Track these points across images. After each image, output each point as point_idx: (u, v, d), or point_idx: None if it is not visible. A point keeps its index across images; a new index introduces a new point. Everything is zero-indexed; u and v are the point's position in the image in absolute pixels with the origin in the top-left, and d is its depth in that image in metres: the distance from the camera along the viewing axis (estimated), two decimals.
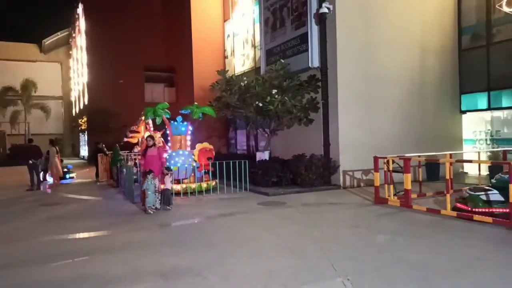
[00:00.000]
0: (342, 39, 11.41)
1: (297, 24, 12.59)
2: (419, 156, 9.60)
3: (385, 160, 8.70)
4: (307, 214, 7.83)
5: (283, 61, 12.38)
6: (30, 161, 13.11)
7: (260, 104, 11.63)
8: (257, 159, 12.06)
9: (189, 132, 11.74)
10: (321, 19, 11.60)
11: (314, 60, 11.87)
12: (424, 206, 7.79)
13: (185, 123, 11.69)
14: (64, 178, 15.57)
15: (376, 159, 8.83)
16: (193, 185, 10.70)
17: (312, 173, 10.74)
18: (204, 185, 10.86)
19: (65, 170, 16.11)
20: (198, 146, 11.58)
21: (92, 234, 6.75)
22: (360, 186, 11.40)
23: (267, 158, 12.03)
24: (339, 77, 11.36)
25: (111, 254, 5.45)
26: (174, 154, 11.10)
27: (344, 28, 11.45)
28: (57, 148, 14.86)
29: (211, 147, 11.80)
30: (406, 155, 8.85)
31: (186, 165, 10.83)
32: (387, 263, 4.77)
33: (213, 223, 7.47)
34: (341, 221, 7.20)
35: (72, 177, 16.36)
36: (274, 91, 11.55)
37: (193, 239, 6.19)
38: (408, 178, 8.03)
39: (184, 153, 11.16)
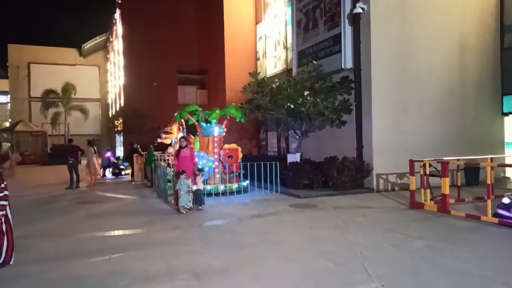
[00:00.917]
0: (377, 39, 11.18)
1: (330, 25, 12.45)
2: (457, 159, 9.24)
3: (422, 163, 8.43)
4: (339, 217, 7.71)
5: (315, 62, 12.28)
6: (70, 161, 13.68)
7: (292, 106, 11.59)
8: (288, 161, 12.01)
9: (217, 134, 11.80)
10: (355, 20, 11.42)
11: (347, 61, 11.69)
12: (463, 212, 7.48)
13: (212, 125, 11.75)
14: (120, 174, 16.64)
15: (412, 162, 8.58)
16: (223, 186, 10.79)
17: (344, 176, 10.57)
18: (234, 186, 10.93)
19: (122, 167, 17.20)
20: (225, 146, 11.68)
21: (127, 232, 6.95)
22: (394, 190, 11.11)
23: (298, 160, 11.96)
24: (373, 78, 11.13)
25: (146, 252, 5.59)
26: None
27: (379, 28, 11.22)
28: (95, 148, 15.44)
29: (236, 147, 11.78)
30: (444, 158, 8.53)
31: (206, 167, 10.84)
32: (424, 269, 4.61)
33: (245, 224, 7.51)
34: (375, 225, 7.04)
35: (128, 174, 17.13)
36: (306, 92, 11.48)
37: (225, 239, 6.25)
38: (446, 182, 7.74)
39: (204, 155, 11.23)
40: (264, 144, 18.81)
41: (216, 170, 11.17)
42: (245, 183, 11.31)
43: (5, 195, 5.04)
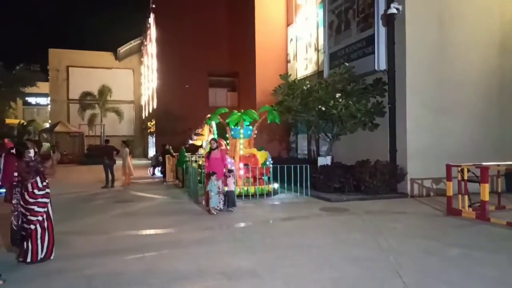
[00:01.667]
0: (412, 40, 10.88)
1: (363, 26, 12.25)
2: (498, 165, 8.83)
3: (459, 168, 8.12)
4: (371, 222, 7.55)
5: (347, 64, 12.11)
6: (106, 161, 14.15)
7: (323, 108, 11.48)
8: (319, 164, 11.90)
9: (242, 136, 11.79)
10: (389, 20, 11.18)
11: (381, 62, 11.45)
12: (504, 220, 7.14)
13: (237, 127, 11.79)
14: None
15: (449, 167, 8.28)
16: (253, 188, 10.80)
17: (377, 180, 10.35)
18: (264, 188, 10.93)
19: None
20: (242, 153, 11.56)
21: (160, 231, 7.10)
22: (429, 195, 10.75)
23: (329, 163, 11.82)
24: (407, 80, 10.84)
25: (178, 251, 5.69)
26: None
27: (414, 28, 10.92)
28: (129, 148, 15.89)
29: (254, 153, 11.62)
30: (484, 163, 8.17)
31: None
32: (461, 278, 4.44)
33: (275, 226, 7.49)
34: (409, 231, 6.84)
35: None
36: (337, 95, 11.34)
37: (255, 241, 6.26)
38: (485, 188, 7.41)
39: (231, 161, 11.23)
40: (294, 146, 18.72)
41: (239, 173, 11.10)
42: (275, 185, 11.28)
43: (47, 192, 5.29)
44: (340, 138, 12.54)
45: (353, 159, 11.63)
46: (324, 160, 11.94)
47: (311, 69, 17.49)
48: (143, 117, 41.16)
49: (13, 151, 5.84)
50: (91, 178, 17.37)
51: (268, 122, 12.21)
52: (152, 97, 33.08)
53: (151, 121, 32.45)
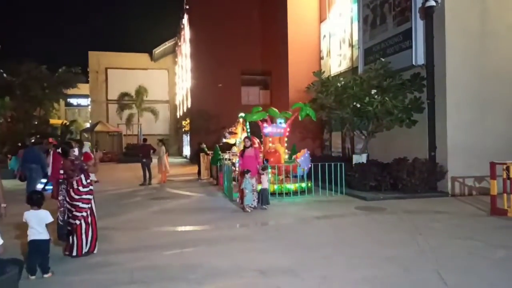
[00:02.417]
0: (452, 33, 10.45)
1: (400, 20, 11.89)
2: None
3: (505, 166, 7.72)
4: (410, 221, 7.34)
5: (383, 59, 11.81)
6: (143, 159, 14.60)
7: (358, 105, 11.25)
8: (354, 161, 11.68)
9: (265, 133, 11.81)
10: (428, 13, 10.78)
11: (419, 57, 11.08)
12: None
13: (265, 125, 11.85)
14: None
15: (493, 165, 7.89)
16: (288, 186, 10.77)
17: (415, 178, 10.04)
18: (298, 186, 10.88)
19: None
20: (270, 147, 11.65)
21: (196, 227, 7.25)
22: (471, 194, 10.30)
23: (365, 161, 11.58)
24: (448, 75, 10.42)
25: (215, 248, 5.79)
26: None
27: (455, 20, 10.47)
28: (165, 147, 16.30)
29: (276, 150, 11.62)
30: None
31: None
32: (506, 280, 4.23)
33: (310, 224, 7.45)
34: (451, 231, 6.59)
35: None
36: (373, 91, 11.08)
37: (290, 239, 6.26)
38: None
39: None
40: (327, 144, 18.50)
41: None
42: (309, 183, 11.20)
43: (91, 189, 5.54)
44: (375, 135, 12.25)
45: (389, 157, 11.34)
46: (359, 158, 11.72)
47: (345, 65, 17.20)
48: (178, 116, 42.03)
49: (59, 150, 6.16)
50: (130, 175, 17.96)
51: (300, 119, 12.12)
52: (186, 97, 33.71)
53: (186, 120, 33.08)
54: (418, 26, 11.10)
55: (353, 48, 16.33)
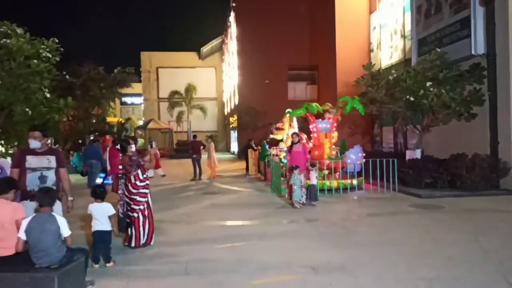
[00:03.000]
0: None
1: (457, 7, 11.21)
2: None
3: None
4: (471, 221, 6.93)
5: (438, 50, 11.19)
6: (194, 155, 15.02)
7: (411, 98, 10.76)
8: (407, 157, 11.23)
9: (323, 129, 11.61)
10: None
11: (479, 46, 10.39)
12: None
13: (320, 121, 11.67)
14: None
15: None
16: (336, 182, 10.57)
17: (475, 175, 9.45)
18: (348, 182, 10.64)
19: None
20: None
21: (246, 222, 7.34)
22: None
23: (419, 157, 11.08)
24: (511, 64, 9.68)
25: (266, 243, 5.84)
26: None
27: None
28: (214, 143, 16.65)
29: (322, 144, 11.45)
30: None
31: None
32: None
33: (361, 222, 7.28)
34: None
35: None
36: (428, 83, 10.55)
37: (341, 236, 6.15)
38: None
39: None
40: (378, 139, 17.92)
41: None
42: (359, 180, 10.93)
43: (147, 184, 5.79)
44: (430, 130, 11.68)
45: (446, 152, 10.75)
46: (413, 154, 11.24)
47: (396, 57, 16.54)
48: (225, 113, 42.71)
49: (118, 146, 6.51)
50: (181, 171, 18.55)
51: (346, 113, 11.82)
52: (233, 94, 34.16)
53: (233, 117, 33.54)
54: (478, 13, 10.42)
55: (405, 39, 15.66)
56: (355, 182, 10.75)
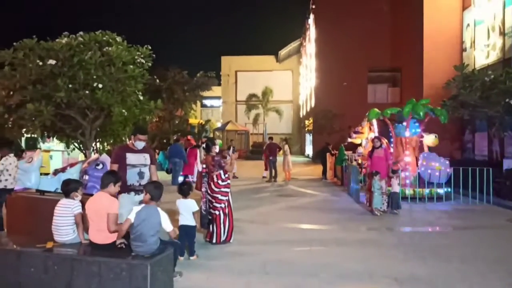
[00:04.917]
0: None
1: None
2: None
3: None
4: None
5: None
6: (270, 157, 15.20)
7: (511, 102, 9.70)
8: (505, 167, 10.14)
9: (409, 134, 10.96)
10: None
11: None
12: None
13: (403, 125, 11.04)
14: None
15: None
16: (421, 191, 9.89)
17: None
18: (434, 192, 9.91)
19: None
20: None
21: (322, 227, 7.21)
22: None
23: None
24: None
25: (344, 249, 5.68)
26: None
27: None
28: (288, 146, 16.68)
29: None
30: None
31: None
32: None
33: (450, 234, 6.74)
34: None
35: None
36: None
37: (427, 248, 5.74)
38: None
39: None
40: (470, 146, 16.42)
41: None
42: (448, 189, 10.11)
43: (228, 183, 6.00)
44: None
45: None
46: (511, 163, 10.11)
47: (494, 57, 14.99)
48: (301, 116, 42.57)
49: (203, 145, 6.88)
50: (257, 172, 18.88)
51: (404, 115, 11.05)
52: (310, 96, 33.90)
53: (309, 120, 33.27)
54: None
55: (505, 37, 14.15)
56: (441, 191, 9.97)
